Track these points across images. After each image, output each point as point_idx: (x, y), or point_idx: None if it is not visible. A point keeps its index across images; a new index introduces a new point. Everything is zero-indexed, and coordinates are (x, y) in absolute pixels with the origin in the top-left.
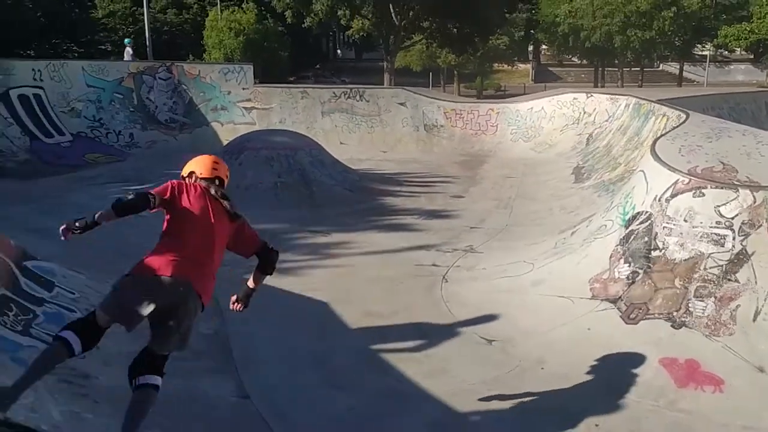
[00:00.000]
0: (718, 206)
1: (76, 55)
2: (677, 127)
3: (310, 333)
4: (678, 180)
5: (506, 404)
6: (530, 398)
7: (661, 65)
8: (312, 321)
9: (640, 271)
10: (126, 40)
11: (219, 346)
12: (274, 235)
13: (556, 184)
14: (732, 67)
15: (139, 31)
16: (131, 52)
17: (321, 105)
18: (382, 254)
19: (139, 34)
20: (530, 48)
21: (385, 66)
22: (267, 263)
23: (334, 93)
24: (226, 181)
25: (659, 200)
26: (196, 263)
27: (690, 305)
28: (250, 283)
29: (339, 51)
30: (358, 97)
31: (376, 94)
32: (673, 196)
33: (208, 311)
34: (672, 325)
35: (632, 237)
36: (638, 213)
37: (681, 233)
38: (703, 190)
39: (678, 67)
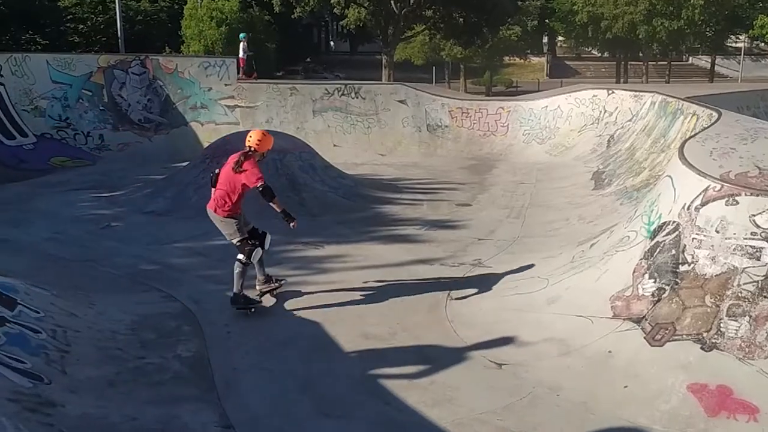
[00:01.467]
0: (754, 215)
1: (40, 47)
2: (708, 127)
3: (300, 356)
4: (709, 186)
5: None
6: (544, 429)
7: (690, 59)
8: (302, 343)
9: (667, 288)
10: (241, 35)
11: (199, 370)
12: None
13: (573, 190)
14: None
15: (110, 21)
16: (246, 47)
17: (312, 103)
18: (380, 269)
19: (109, 25)
20: (545, 39)
21: (383, 60)
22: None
23: (326, 89)
24: (250, 143)
25: (688, 209)
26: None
27: (722, 325)
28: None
29: (332, 43)
30: (353, 94)
31: (373, 90)
32: (703, 204)
33: (187, 332)
34: (702, 348)
35: (658, 250)
36: (665, 223)
37: (712, 245)
38: (736, 198)
39: (709, 60)
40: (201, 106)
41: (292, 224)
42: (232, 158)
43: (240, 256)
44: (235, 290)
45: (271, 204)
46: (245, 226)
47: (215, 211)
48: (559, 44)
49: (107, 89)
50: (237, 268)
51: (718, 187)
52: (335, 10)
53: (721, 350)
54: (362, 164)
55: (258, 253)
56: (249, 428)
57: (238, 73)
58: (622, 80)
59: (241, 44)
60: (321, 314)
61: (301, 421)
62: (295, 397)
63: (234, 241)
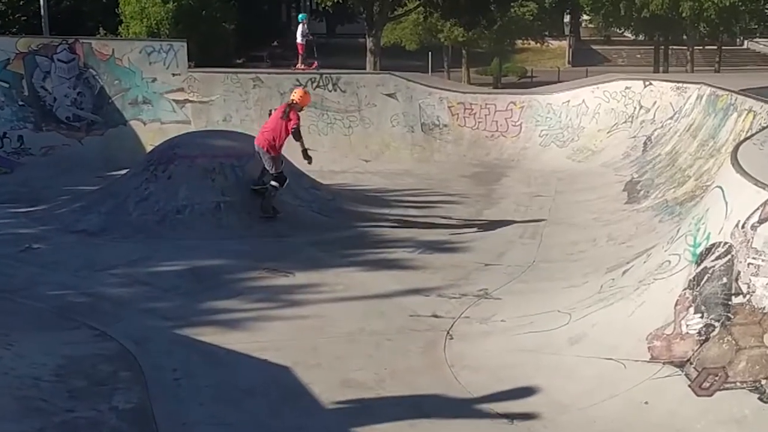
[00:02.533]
0: None
1: None
2: None
3: (267, 408)
4: None
5: None
6: None
7: (745, 42)
8: (269, 391)
9: (717, 324)
10: (300, 16)
11: (140, 425)
12: (216, 275)
13: (601, 204)
14: None
15: None
16: (306, 30)
17: (280, 97)
18: (363, 301)
19: (30, 0)
20: (566, 19)
21: (367, 44)
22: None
23: (298, 80)
24: (293, 98)
25: (743, 227)
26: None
27: None
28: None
29: None
30: (330, 86)
31: (355, 81)
32: (761, 221)
33: (126, 378)
34: (760, 398)
35: (706, 277)
36: (714, 245)
37: None
38: None
39: None
40: (143, 101)
41: (307, 161)
42: (281, 107)
43: (275, 183)
44: (263, 204)
45: (298, 141)
46: (281, 164)
47: (266, 149)
48: (584, 24)
49: (28, 80)
50: (271, 192)
51: None
52: None
53: None
54: (342, 172)
55: (287, 183)
56: None
57: (297, 62)
58: (661, 69)
59: (300, 27)
60: (292, 356)
61: None
62: None
63: (272, 172)
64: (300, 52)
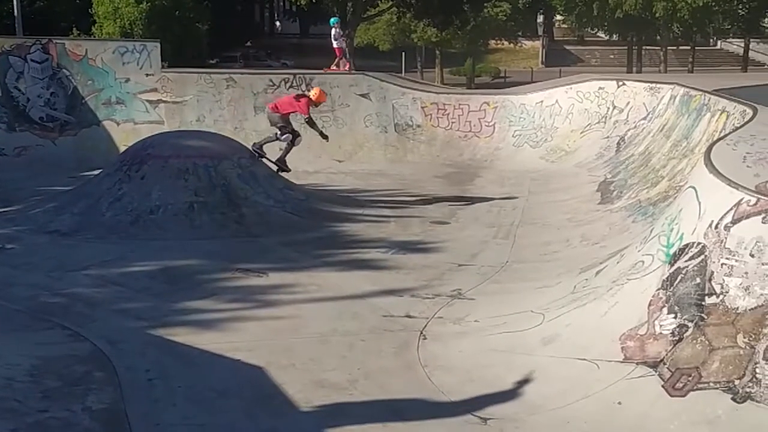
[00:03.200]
0: None
1: None
2: (741, 127)
3: (240, 409)
4: (742, 200)
5: None
6: None
7: (718, 42)
8: (242, 392)
9: (690, 325)
10: (331, 20)
11: (114, 426)
12: (189, 276)
13: (575, 205)
14: None
15: None
16: (341, 33)
17: (253, 97)
18: (337, 301)
19: (4, 2)
20: (540, 19)
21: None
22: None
23: (271, 80)
24: (309, 94)
25: (716, 228)
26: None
27: (758, 370)
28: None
29: (278, 23)
30: (303, 86)
31: (328, 82)
32: (735, 221)
33: (100, 379)
34: (733, 398)
35: (679, 278)
36: (687, 245)
37: (746, 273)
38: None
39: (742, 45)
40: (116, 101)
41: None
42: (293, 93)
43: (284, 137)
44: (280, 158)
45: (312, 127)
46: (288, 125)
47: (272, 110)
48: (557, 25)
49: (1, 80)
50: (286, 147)
51: (754, 200)
52: None
53: (756, 401)
54: (315, 172)
55: (289, 137)
56: None
57: (337, 66)
58: (634, 69)
59: (332, 31)
60: (265, 357)
61: None
62: None
63: (278, 127)
64: (338, 55)
